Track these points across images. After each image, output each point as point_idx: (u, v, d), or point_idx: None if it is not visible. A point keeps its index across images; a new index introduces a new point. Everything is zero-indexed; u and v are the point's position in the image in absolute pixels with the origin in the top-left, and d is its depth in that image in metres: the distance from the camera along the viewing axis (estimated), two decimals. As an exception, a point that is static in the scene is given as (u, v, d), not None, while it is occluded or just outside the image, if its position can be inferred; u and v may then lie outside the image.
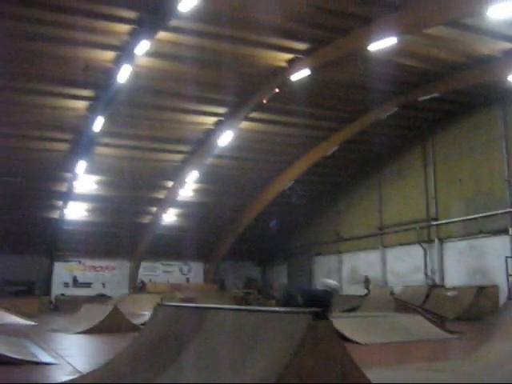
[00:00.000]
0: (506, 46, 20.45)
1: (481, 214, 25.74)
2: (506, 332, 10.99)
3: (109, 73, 21.75)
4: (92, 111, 24.46)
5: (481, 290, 24.50)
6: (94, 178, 31.18)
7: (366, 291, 30.68)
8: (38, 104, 24.21)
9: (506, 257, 21.32)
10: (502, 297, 22.87)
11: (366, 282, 31.80)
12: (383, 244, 32.09)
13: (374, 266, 32.05)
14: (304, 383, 4.35)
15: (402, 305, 21.32)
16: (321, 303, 9.16)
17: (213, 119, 27.20)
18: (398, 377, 8.86)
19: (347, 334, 15.45)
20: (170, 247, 37.37)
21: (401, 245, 30.68)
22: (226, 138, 27.49)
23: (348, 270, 34.74)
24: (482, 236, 25.88)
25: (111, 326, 17.18)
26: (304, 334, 4.33)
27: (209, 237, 38.12)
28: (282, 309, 5.88)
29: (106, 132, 25.83)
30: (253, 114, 26.47)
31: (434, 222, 28.62)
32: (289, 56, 22.16)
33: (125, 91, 22.71)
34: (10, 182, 29.52)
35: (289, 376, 4.26)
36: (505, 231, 24.63)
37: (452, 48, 21.24)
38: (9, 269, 33.68)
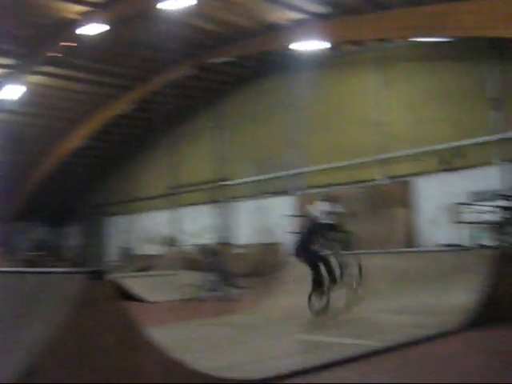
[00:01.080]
0: (295, 15, 21.45)
1: (267, 176, 27.18)
2: (285, 287, 11.84)
3: None
4: None
5: (266, 246, 26.02)
6: None
7: (166, 249, 30.96)
8: None
9: (287, 215, 22.65)
10: (285, 253, 24.45)
11: (169, 240, 31.98)
12: (177, 204, 32.52)
13: (168, 226, 32.41)
14: (82, 345, 4.31)
15: (193, 263, 21.93)
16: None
17: (0, 71, 25.22)
18: (180, 333, 9.14)
19: (137, 292, 15.61)
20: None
21: (194, 205, 31.31)
22: (13, 92, 25.66)
23: (143, 229, 34.71)
24: (268, 196, 27.40)
25: None
26: (82, 295, 4.27)
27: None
28: (61, 269, 5.74)
29: None
30: (44, 68, 25.01)
31: (225, 183, 29.58)
32: (82, 8, 21.13)
33: None
34: None
35: (65, 339, 4.19)
36: (287, 192, 26.32)
37: (245, 14, 21.76)
38: None
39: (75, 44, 22.51)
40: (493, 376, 5.82)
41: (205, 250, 28.16)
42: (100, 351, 4.39)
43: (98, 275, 4.32)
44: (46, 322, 4.43)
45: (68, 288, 4.40)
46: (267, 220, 27.33)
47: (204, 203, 30.52)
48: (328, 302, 9.97)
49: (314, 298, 10.15)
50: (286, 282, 12.06)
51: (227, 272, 19.96)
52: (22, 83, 25.30)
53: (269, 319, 10.17)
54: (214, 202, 30.00)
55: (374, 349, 6.94)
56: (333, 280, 10.18)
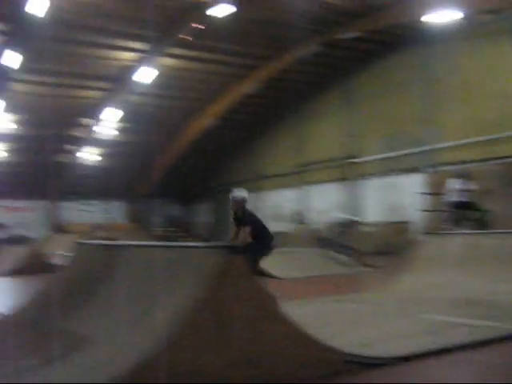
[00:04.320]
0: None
1: (397, 153, 26.56)
2: (414, 266, 11.60)
3: (23, 5, 20.64)
4: (6, 46, 23.25)
5: (396, 225, 25.53)
6: (12, 116, 29.97)
7: (294, 226, 31.20)
8: None
9: (418, 192, 22.10)
10: (415, 232, 23.87)
11: (297, 217, 32.24)
12: (304, 181, 32.66)
13: (296, 204, 32.63)
14: (219, 317, 4.49)
15: (323, 240, 21.97)
16: None
17: (134, 55, 26.45)
18: (315, 308, 9.24)
19: (268, 269, 15.88)
20: (92, 187, 36.69)
21: (321, 182, 31.31)
22: (147, 75, 26.89)
23: (270, 207, 35.24)
24: (398, 174, 26.80)
25: (31, 267, 16.96)
26: (219, 269, 4.44)
27: (132, 176, 37.66)
28: (199, 244, 5.96)
29: (23, 68, 24.69)
30: (174, 50, 25.93)
31: (354, 160, 29.29)
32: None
33: (41, 25, 21.63)
34: None
35: (204, 310, 4.38)
36: (418, 169, 25.58)
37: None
38: None
39: (204, 26, 23.10)
40: None
41: (333, 227, 28.27)
42: (236, 323, 4.56)
43: (235, 250, 4.48)
44: (185, 294, 4.65)
45: (207, 262, 4.59)
46: (396, 198, 26.80)
47: (332, 181, 30.41)
48: None
49: None
50: (416, 260, 11.83)
51: (356, 249, 19.90)
52: (154, 66, 26.40)
53: (398, 297, 10.04)
54: (341, 179, 29.82)
55: (508, 331, 6.67)
56: None
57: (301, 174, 32.85)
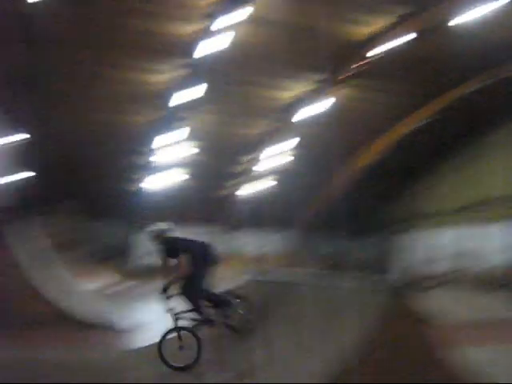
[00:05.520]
0: None
1: None
2: None
3: (203, 42, 22.06)
4: (186, 80, 24.87)
5: None
6: (193, 143, 31.69)
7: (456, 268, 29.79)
8: (130, 79, 25.11)
9: None
10: None
11: (459, 259, 30.65)
12: (468, 221, 30.79)
13: (458, 244, 30.78)
14: (389, 353, 4.47)
15: (485, 284, 20.74)
16: None
17: (309, 86, 27.15)
18: (490, 356, 8.66)
19: (433, 310, 15.30)
20: (263, 217, 37.27)
21: (487, 222, 29.21)
22: (321, 105, 27.72)
23: (431, 246, 33.55)
24: None
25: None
26: (385, 309, 4.43)
27: (300, 206, 38.00)
28: (365, 283, 5.95)
29: (205, 98, 26.22)
30: (349, 81, 26.38)
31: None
32: (386, 22, 21.86)
33: (221, 59, 22.98)
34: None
35: (376, 346, 4.39)
36: None
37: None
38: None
39: (381, 57, 23.34)
40: None
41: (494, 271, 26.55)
42: (406, 361, 4.52)
43: (403, 290, 4.46)
44: (354, 329, 4.69)
45: (373, 302, 4.59)
46: None
47: (498, 221, 28.53)
48: None
49: None
50: None
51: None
52: (328, 96, 27.41)
53: None
54: (508, 219, 27.82)
55: None
56: None
57: (463, 213, 31.19)
